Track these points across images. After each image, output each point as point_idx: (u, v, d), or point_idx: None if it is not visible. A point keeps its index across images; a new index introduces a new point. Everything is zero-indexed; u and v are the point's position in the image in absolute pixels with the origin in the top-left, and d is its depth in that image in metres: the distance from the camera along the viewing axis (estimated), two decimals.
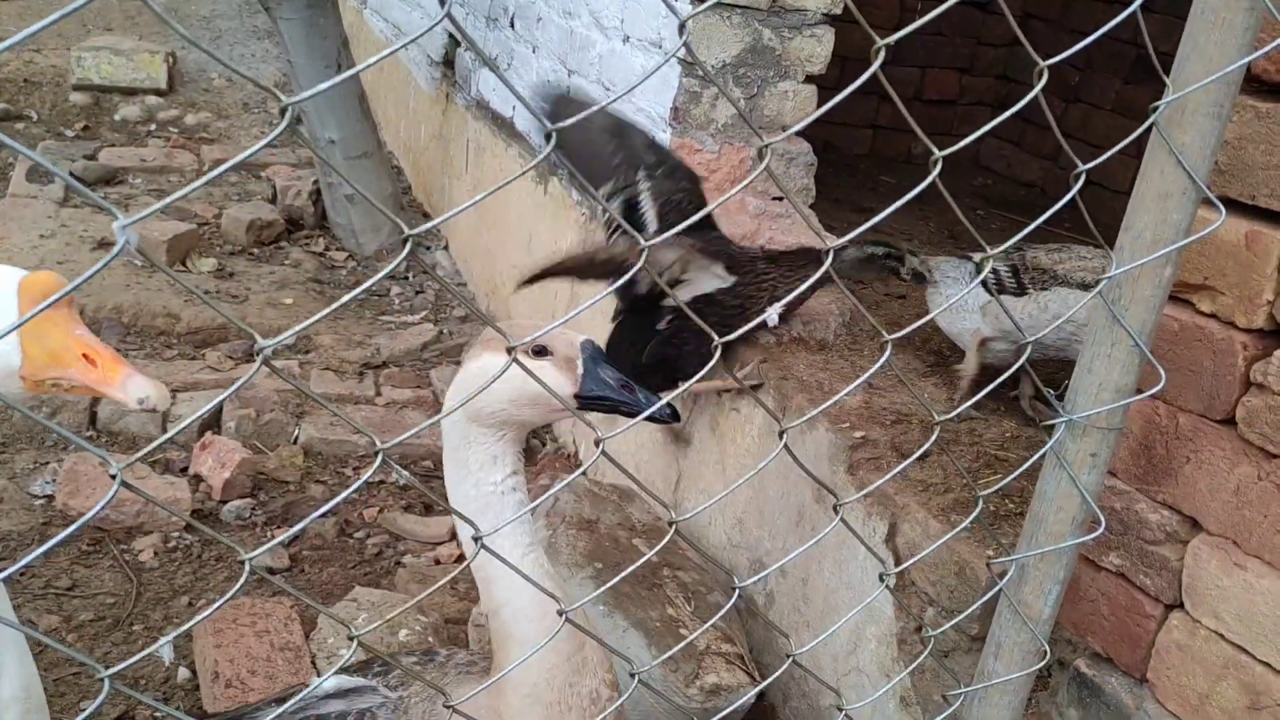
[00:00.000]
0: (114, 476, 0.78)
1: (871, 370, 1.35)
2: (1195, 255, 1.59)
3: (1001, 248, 1.36)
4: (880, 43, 1.15)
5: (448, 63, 5.05)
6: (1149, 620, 1.71)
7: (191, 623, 1.00)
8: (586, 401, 1.41)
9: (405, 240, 0.90)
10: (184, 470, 3.27)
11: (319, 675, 2.37)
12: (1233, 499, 1.56)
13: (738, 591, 1.39)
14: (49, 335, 1.29)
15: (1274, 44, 1.38)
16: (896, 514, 2.24)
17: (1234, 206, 1.53)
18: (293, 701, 1.67)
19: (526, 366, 1.07)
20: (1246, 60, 1.34)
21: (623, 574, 1.36)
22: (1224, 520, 1.58)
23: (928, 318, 1.55)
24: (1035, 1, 5.05)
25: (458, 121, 4.83)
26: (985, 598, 1.64)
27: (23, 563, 0.81)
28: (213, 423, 3.46)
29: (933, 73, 5.13)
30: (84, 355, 1.30)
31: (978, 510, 1.56)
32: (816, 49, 3.09)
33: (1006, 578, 1.61)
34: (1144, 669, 1.72)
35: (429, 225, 0.95)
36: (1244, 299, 1.54)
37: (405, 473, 1.08)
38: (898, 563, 2.24)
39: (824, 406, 1.38)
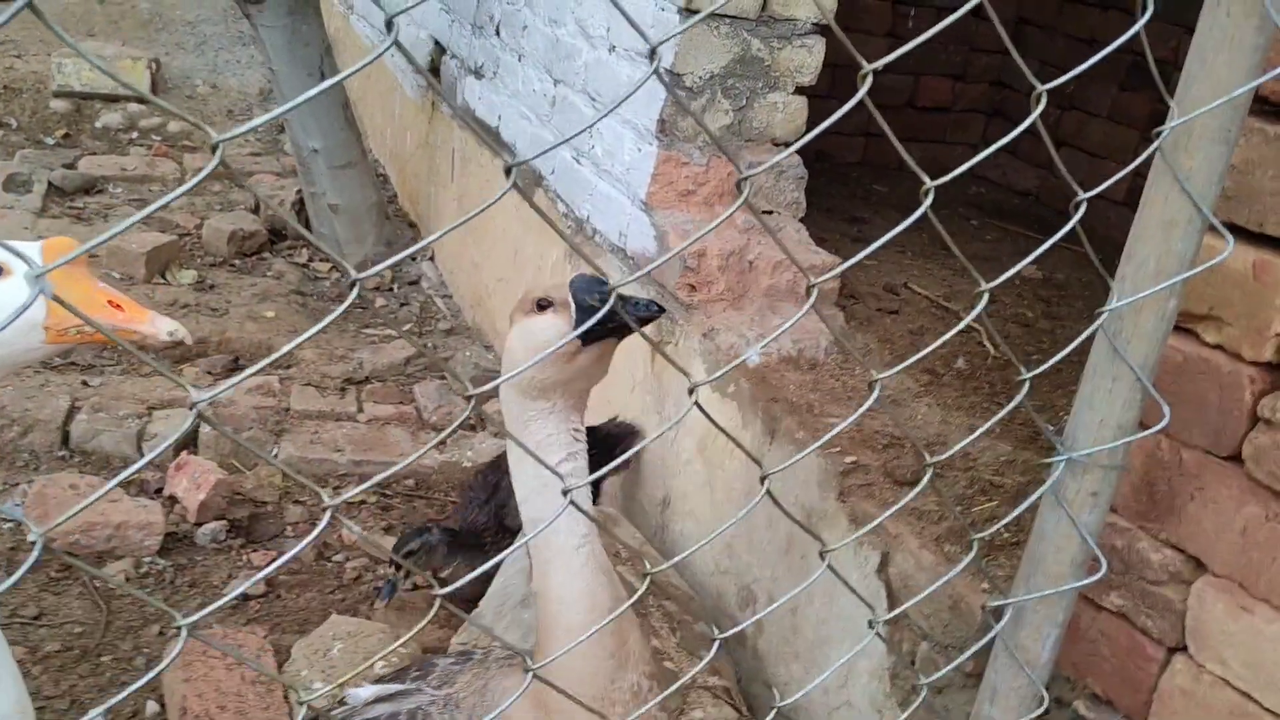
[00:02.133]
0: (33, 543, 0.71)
1: (856, 414, 1.28)
2: (1200, 284, 1.52)
3: (998, 281, 1.29)
4: (867, 67, 1.09)
5: (433, 70, 4.97)
6: (1151, 663, 1.64)
7: (128, 690, 0.93)
8: (587, 336, 1.38)
9: (352, 285, 0.85)
10: (158, 491, 3.18)
11: (290, 710, 2.29)
12: (1239, 540, 1.49)
13: (716, 644, 1.32)
14: (73, 288, 1.40)
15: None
16: (889, 544, 2.17)
17: (1240, 234, 1.45)
18: (338, 712, 1.65)
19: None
20: (1257, 82, 1.27)
21: (614, 615, 1.29)
22: (1230, 562, 1.51)
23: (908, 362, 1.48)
24: (1029, 6, 4.99)
25: (443, 130, 4.75)
26: (982, 642, 1.56)
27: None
28: (189, 441, 3.37)
29: (926, 80, 5.06)
30: (109, 302, 1.42)
31: (973, 554, 1.48)
32: (807, 59, 3.01)
33: (1003, 621, 1.54)
34: (1145, 713, 1.65)
35: (423, 243, 0.87)
36: (1252, 330, 1.47)
37: (355, 528, 1.01)
38: (889, 594, 2.16)
39: (808, 451, 1.30)
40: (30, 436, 3.28)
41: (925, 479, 1.37)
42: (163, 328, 1.45)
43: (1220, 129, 1.31)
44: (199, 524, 3.05)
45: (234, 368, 3.84)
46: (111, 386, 3.56)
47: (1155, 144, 1.31)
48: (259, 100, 6.48)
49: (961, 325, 1.32)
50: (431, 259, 4.85)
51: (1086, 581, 1.48)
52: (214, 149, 0.79)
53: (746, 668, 2.58)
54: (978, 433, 1.45)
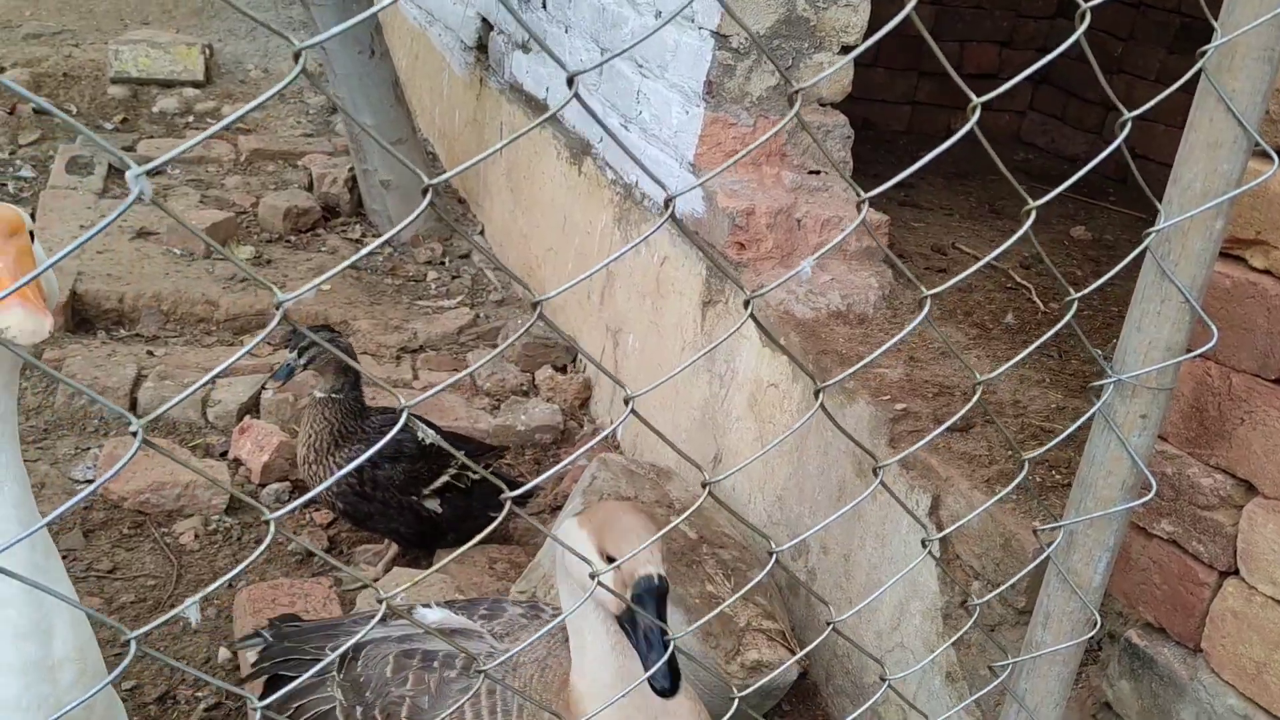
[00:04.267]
0: (135, 434, 0.77)
1: (910, 328, 1.31)
2: (1247, 209, 1.54)
3: (1044, 200, 1.32)
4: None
5: (480, 47, 5.03)
6: (1203, 588, 1.66)
7: (219, 583, 0.99)
8: (621, 624, 1.45)
9: (424, 190, 0.87)
10: (223, 455, 3.28)
11: None
12: None
13: (774, 556, 1.36)
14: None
15: None
16: (940, 486, 2.20)
17: None
18: (399, 627, 1.69)
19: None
20: None
21: (660, 533, 1.34)
22: None
23: (962, 276, 1.51)
24: None
25: (491, 105, 4.81)
26: (1032, 565, 1.60)
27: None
28: (251, 407, 3.46)
29: (971, 46, 5.04)
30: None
31: (1023, 474, 1.51)
32: (852, 18, 3.03)
33: (1054, 545, 1.57)
34: (1198, 638, 1.67)
35: (449, 175, 0.92)
36: None
37: (431, 431, 1.06)
38: (942, 541, 2.19)
39: (859, 367, 1.34)
40: (99, 405, 3.38)
41: (975, 397, 1.41)
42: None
43: (1265, 48, 1.33)
44: (263, 484, 3.14)
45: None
46: (175, 356, 3.66)
47: (1199, 63, 1.33)
48: (309, 84, 6.57)
49: (1016, 237, 1.35)
50: (482, 233, 4.92)
51: (1136, 503, 1.51)
52: (296, 57, 0.78)
53: (799, 616, 2.62)
54: (1028, 350, 1.48)
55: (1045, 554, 1.57)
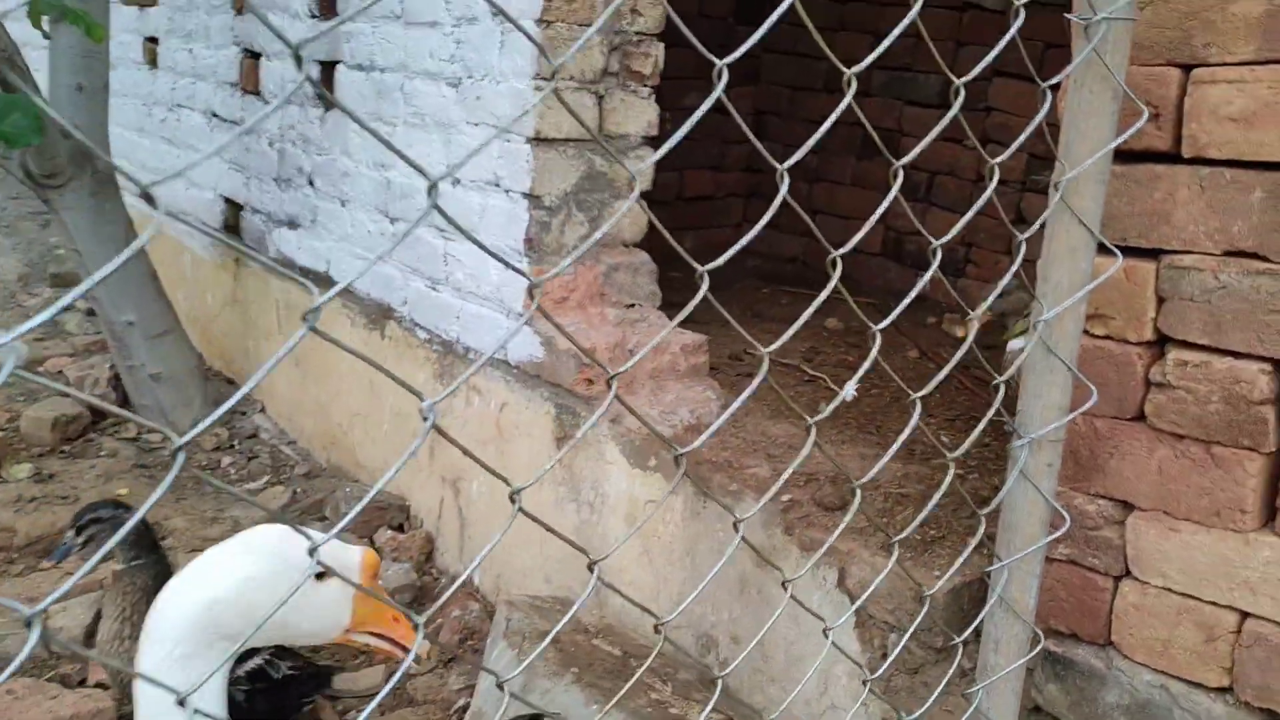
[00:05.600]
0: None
1: (746, 393, 1.63)
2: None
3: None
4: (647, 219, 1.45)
5: (229, 228, 5.05)
6: (1103, 593, 2.06)
7: None
8: None
9: (175, 451, 0.99)
10: (82, 683, 3.12)
11: None
12: (1157, 478, 1.95)
13: (719, 684, 1.61)
14: (369, 601, 1.48)
15: (1134, 128, 1.79)
16: (843, 559, 2.53)
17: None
18: None
19: None
20: (1119, 140, 1.74)
21: (621, 689, 1.57)
22: (1153, 497, 1.96)
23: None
24: (765, 98, 5.65)
25: (256, 284, 4.83)
26: (988, 605, 1.93)
27: None
28: (95, 628, 3.31)
29: (689, 173, 5.62)
30: (392, 617, 1.50)
31: (894, 557, 1.86)
32: (640, 167, 3.41)
33: (1002, 582, 1.92)
34: (1107, 634, 2.07)
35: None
36: (1132, 319, 1.95)
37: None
38: (853, 601, 2.52)
39: (767, 497, 1.64)
40: None
41: (856, 500, 1.75)
42: (420, 648, 1.48)
43: (1099, 174, 1.78)
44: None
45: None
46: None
47: (1058, 193, 1.75)
48: (20, 287, 6.25)
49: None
50: (263, 410, 4.88)
51: (1056, 534, 1.89)
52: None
53: (741, 711, 2.85)
54: (891, 451, 1.83)
55: (996, 595, 1.92)
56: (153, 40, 5.66)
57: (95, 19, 3.52)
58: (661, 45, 3.36)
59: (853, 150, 5.32)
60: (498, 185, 3.38)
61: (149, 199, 0.70)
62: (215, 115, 5.06)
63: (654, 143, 3.42)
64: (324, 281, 4.32)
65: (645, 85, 3.38)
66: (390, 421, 4.04)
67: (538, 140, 3.22)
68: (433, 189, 0.91)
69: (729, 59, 1.18)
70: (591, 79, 3.27)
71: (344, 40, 4.04)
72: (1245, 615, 1.88)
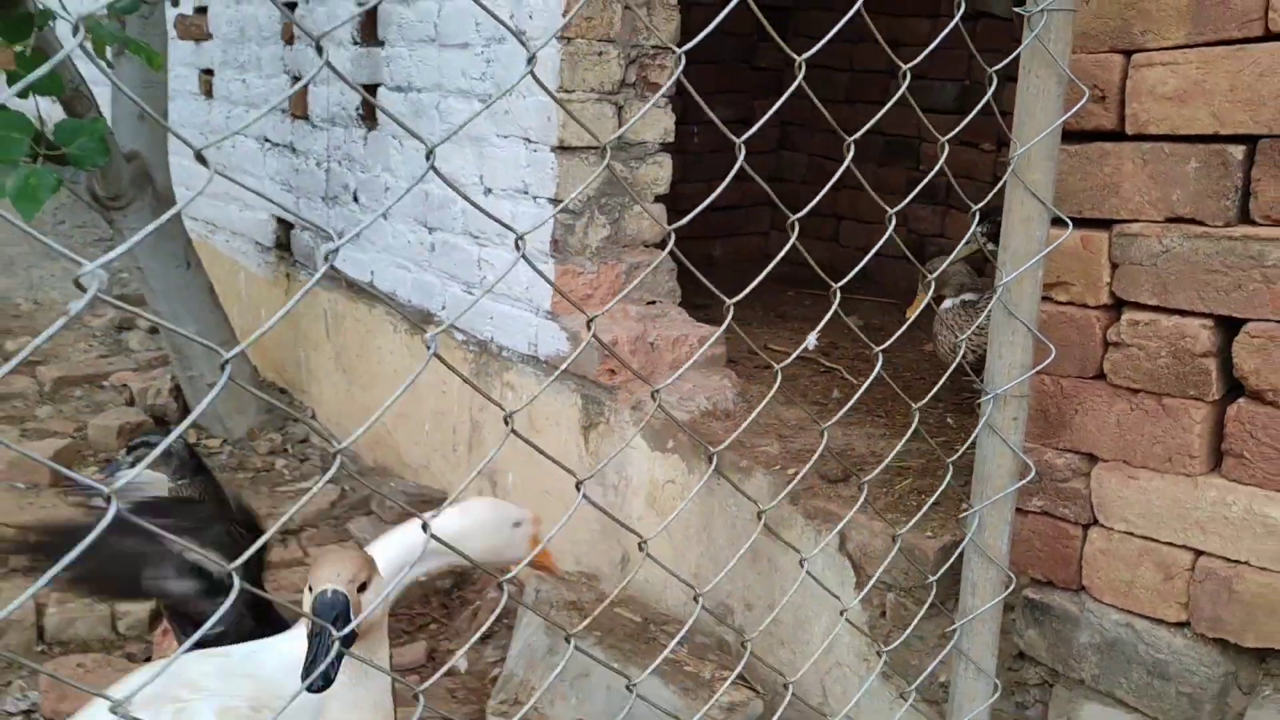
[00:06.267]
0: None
1: (763, 402, 1.83)
2: (1048, 261, 2.17)
3: (844, 279, 1.88)
4: (668, 229, 1.65)
5: (280, 246, 5.35)
6: (1074, 541, 2.23)
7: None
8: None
9: (222, 366, 1.22)
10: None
11: None
12: (1116, 430, 2.12)
13: (700, 601, 1.78)
14: (535, 541, 2.29)
15: (1076, 107, 1.97)
16: (843, 526, 2.71)
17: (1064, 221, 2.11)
18: None
19: None
20: (1064, 118, 1.93)
21: (658, 661, 1.76)
22: (1113, 448, 2.13)
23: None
24: (789, 110, 5.87)
25: (306, 297, 5.12)
26: (958, 551, 2.11)
27: None
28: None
29: (716, 184, 5.82)
30: (544, 553, 2.15)
31: (864, 496, 2.05)
32: (659, 173, 3.63)
33: (973, 528, 2.10)
34: (1079, 580, 2.24)
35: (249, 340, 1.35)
36: (1090, 285, 2.13)
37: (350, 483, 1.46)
38: (854, 565, 2.70)
39: (785, 492, 1.84)
40: (6, 638, 3.40)
41: (863, 495, 1.94)
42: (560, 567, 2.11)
43: (1048, 150, 1.96)
44: None
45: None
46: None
47: (1011, 166, 1.94)
48: (85, 308, 6.60)
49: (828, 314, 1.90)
50: (313, 416, 5.16)
51: (1023, 482, 2.07)
52: (77, 283, 1.19)
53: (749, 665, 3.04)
54: (852, 401, 2.02)
55: (968, 537, 2.10)
56: (208, 72, 6.00)
57: (154, 50, 3.82)
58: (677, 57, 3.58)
59: (873, 157, 5.51)
60: (526, 192, 3.62)
61: (202, 160, 0.93)
62: (267, 140, 5.37)
63: (669, 148, 3.64)
64: (364, 291, 4.59)
65: (663, 95, 3.60)
66: (430, 421, 4.28)
67: (561, 149, 3.46)
68: (431, 154, 1.14)
69: (746, 135, 1.44)
70: (610, 90, 3.50)
71: (384, 65, 4.32)
72: (1199, 554, 2.05)
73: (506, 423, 1.23)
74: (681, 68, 1.46)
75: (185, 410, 5.08)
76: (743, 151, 1.48)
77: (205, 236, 6.14)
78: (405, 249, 4.31)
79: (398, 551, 2.08)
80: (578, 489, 1.42)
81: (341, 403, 4.91)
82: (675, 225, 1.48)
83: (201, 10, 5.93)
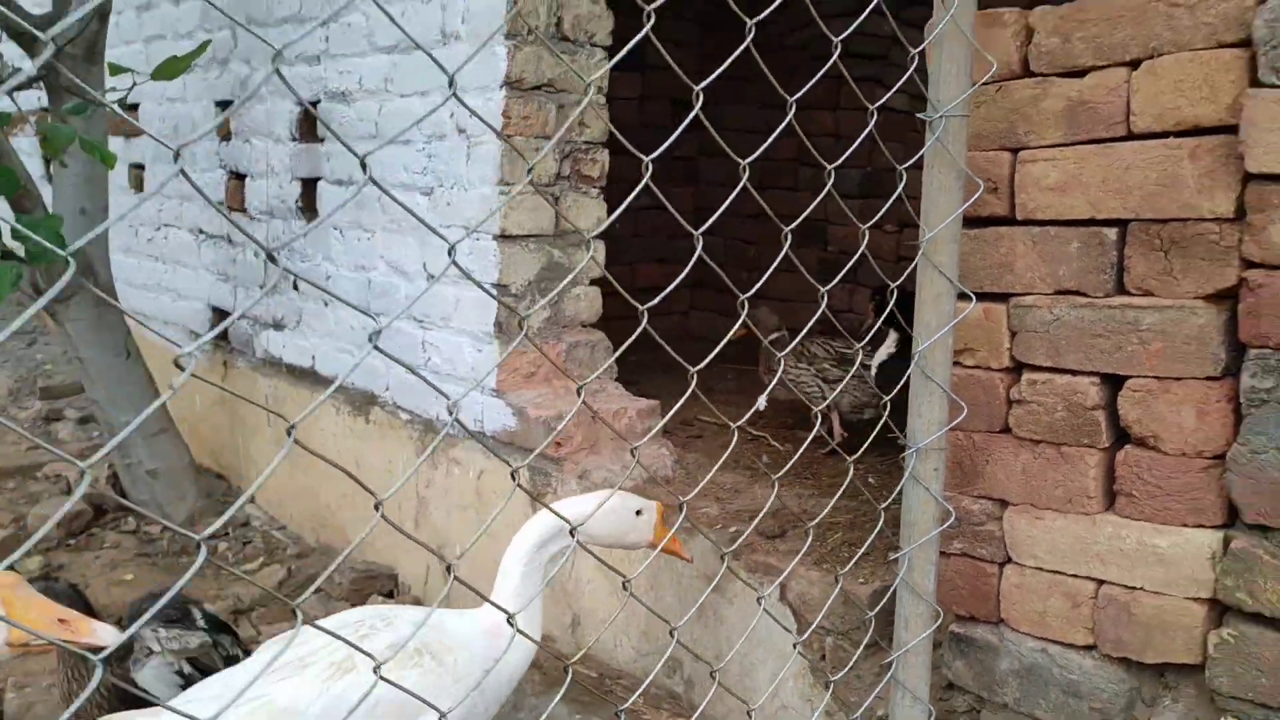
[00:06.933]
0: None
1: (716, 463, 2.08)
2: (956, 331, 2.47)
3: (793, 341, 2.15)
4: (642, 308, 1.92)
5: (218, 334, 5.47)
6: (991, 578, 2.50)
7: None
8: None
9: (197, 546, 1.49)
10: None
11: None
12: (1022, 477, 2.41)
13: (675, 637, 2.04)
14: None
15: (974, 198, 2.28)
16: (784, 577, 2.95)
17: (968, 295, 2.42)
18: None
19: None
20: (964, 207, 2.24)
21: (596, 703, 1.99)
22: (1021, 493, 2.42)
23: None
24: (704, 197, 6.21)
25: (245, 383, 5.24)
26: (890, 591, 2.36)
27: None
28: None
29: (639, 266, 6.13)
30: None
31: (809, 541, 2.30)
32: (595, 258, 3.90)
33: (904, 569, 2.36)
34: (998, 613, 2.51)
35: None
36: (993, 350, 2.43)
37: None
38: (794, 613, 2.94)
39: (782, 576, 2.09)
40: None
41: (808, 540, 2.19)
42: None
43: (952, 234, 2.27)
44: None
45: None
46: (20, 663, 3.76)
47: (921, 250, 2.24)
48: (10, 400, 6.60)
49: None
50: (252, 500, 5.25)
51: (945, 525, 2.34)
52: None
53: (686, 714, 3.24)
54: (838, 494, 2.29)
55: (899, 578, 2.35)
56: (139, 167, 6.14)
57: (106, 149, 3.98)
58: (607, 152, 3.87)
59: (851, 192, 5.85)
60: (468, 278, 3.84)
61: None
62: (203, 232, 5.52)
63: (602, 235, 3.91)
64: (309, 374, 4.74)
65: (594, 186, 3.89)
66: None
67: (503, 237, 3.71)
68: (366, 168, 1.37)
69: (654, 154, 1.67)
70: (547, 182, 3.77)
71: (324, 159, 4.54)
72: (1100, 583, 2.33)
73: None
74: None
75: (122, 496, 5.14)
76: (698, 239, 1.73)
77: (135, 328, 6.22)
78: (348, 334, 4.49)
79: (539, 533, 2.40)
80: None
81: (284, 485, 5.02)
82: (648, 304, 1.72)
83: (133, 107, 6.09)
